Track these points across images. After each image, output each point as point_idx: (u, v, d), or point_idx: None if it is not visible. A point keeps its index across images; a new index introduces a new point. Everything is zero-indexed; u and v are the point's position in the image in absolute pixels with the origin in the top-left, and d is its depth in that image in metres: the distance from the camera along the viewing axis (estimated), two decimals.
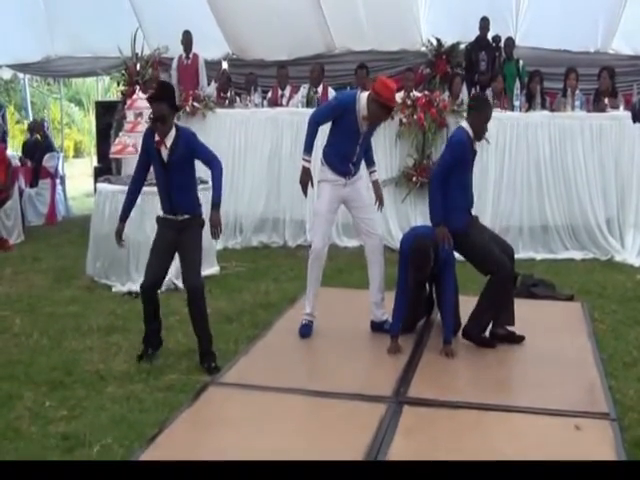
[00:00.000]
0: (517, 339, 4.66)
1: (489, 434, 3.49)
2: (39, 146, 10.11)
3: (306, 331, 4.83)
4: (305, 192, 4.74)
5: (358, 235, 5.76)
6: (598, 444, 3.34)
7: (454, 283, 4.66)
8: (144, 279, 4.49)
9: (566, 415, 3.62)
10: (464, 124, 4.65)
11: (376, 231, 4.86)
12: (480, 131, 4.61)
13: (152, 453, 3.26)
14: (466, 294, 5.37)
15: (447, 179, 4.52)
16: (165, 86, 4.59)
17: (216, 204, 4.34)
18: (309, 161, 4.67)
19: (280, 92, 8.58)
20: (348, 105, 4.60)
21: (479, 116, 4.61)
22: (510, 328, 4.70)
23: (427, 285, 4.92)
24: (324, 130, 4.81)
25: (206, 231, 4.43)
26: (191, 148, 4.35)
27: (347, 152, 4.70)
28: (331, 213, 4.83)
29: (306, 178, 4.68)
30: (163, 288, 5.81)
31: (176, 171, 4.33)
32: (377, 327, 4.91)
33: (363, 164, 4.93)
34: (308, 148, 4.66)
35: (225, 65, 9.88)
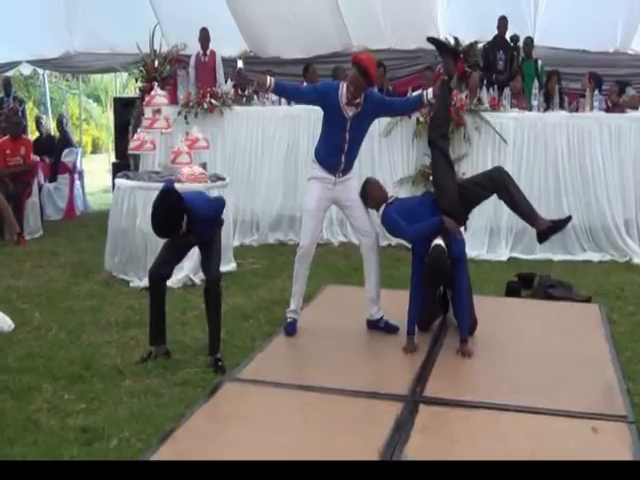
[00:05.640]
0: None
1: (505, 435, 3.48)
2: (54, 143, 10.18)
3: (291, 329, 4.80)
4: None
5: (354, 234, 5.76)
6: (615, 447, 3.32)
7: (467, 281, 4.65)
8: (153, 264, 4.50)
9: (583, 417, 3.60)
10: None
11: (370, 229, 4.78)
12: None
13: (169, 448, 3.28)
14: (482, 294, 5.39)
15: None
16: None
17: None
18: (270, 81, 4.54)
19: None
20: (330, 89, 4.57)
21: None
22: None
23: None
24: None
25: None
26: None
27: (335, 140, 4.60)
28: (320, 211, 4.78)
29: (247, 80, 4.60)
30: (180, 284, 5.90)
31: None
32: (373, 325, 4.89)
33: (356, 165, 4.86)
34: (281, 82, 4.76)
35: (240, 64, 9.91)
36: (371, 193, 4.79)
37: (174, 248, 4.48)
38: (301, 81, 8.64)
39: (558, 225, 4.67)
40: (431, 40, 5.08)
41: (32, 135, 10.90)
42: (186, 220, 4.17)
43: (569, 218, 4.83)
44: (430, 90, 4.70)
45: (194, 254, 5.08)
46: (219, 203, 4.60)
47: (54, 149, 10.00)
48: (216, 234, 4.47)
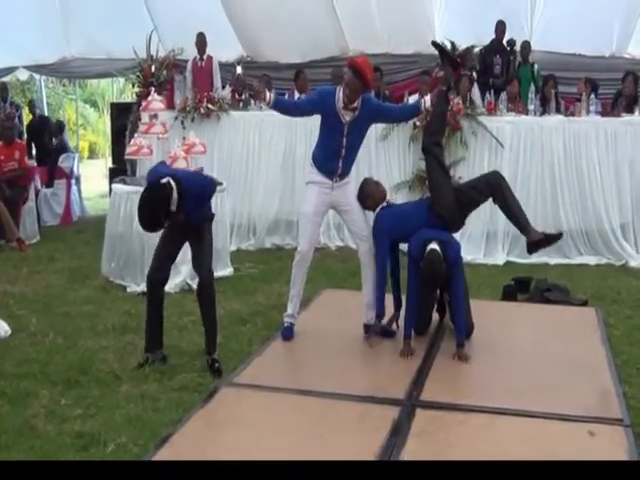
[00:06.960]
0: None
1: (502, 438, 3.48)
2: (48, 122, 10.27)
3: (288, 333, 4.81)
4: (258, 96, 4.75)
5: (351, 238, 5.79)
6: (612, 450, 3.32)
7: (463, 285, 4.67)
8: (150, 268, 4.52)
9: (579, 421, 3.61)
10: None
11: (367, 234, 4.78)
12: None
13: (166, 452, 3.28)
14: (478, 297, 5.39)
15: None
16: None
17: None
18: (270, 97, 4.55)
19: (297, 95, 8.59)
20: (328, 94, 4.57)
21: None
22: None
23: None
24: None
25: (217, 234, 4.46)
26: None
27: (333, 145, 4.60)
28: (317, 216, 4.78)
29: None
30: (177, 289, 5.89)
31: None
32: (369, 330, 4.89)
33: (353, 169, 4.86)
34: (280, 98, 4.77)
35: (239, 70, 9.91)
36: (368, 193, 4.81)
37: (168, 244, 4.46)
38: (292, 87, 8.68)
39: (550, 239, 4.69)
40: (435, 45, 5.11)
41: (26, 118, 10.96)
42: (175, 196, 4.11)
43: (561, 235, 4.88)
44: (428, 99, 4.70)
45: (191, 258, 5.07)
46: (209, 180, 4.61)
47: (49, 129, 10.13)
48: (206, 224, 4.43)
